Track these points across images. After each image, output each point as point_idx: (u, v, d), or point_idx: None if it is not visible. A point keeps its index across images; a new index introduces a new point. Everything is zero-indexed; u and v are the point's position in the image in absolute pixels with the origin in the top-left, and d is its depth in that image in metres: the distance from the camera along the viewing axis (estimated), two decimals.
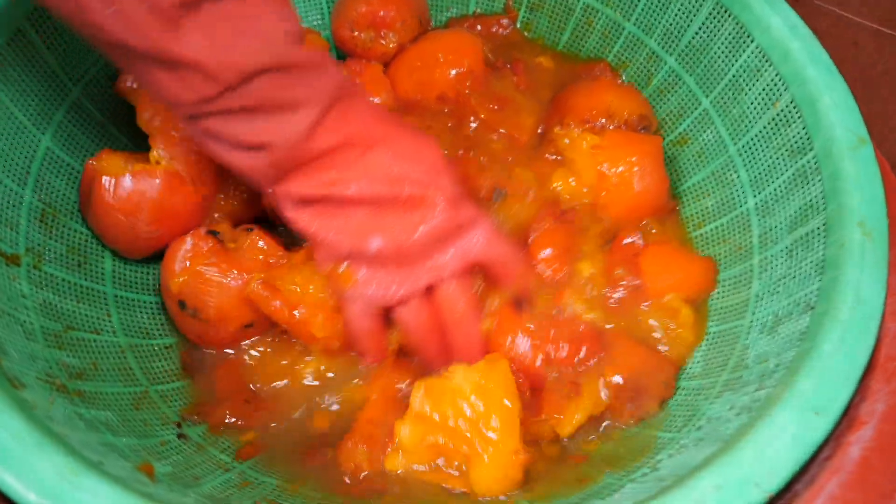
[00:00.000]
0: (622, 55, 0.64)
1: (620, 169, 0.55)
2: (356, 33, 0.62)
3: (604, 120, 0.58)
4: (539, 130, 0.60)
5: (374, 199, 0.44)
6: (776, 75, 0.52)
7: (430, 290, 0.47)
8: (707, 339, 0.51)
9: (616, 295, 0.52)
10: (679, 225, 0.58)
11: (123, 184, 0.50)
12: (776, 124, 0.52)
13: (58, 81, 0.52)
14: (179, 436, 0.47)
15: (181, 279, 0.50)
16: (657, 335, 0.51)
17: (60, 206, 0.52)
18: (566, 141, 0.56)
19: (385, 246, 0.44)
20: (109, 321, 0.51)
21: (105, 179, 0.50)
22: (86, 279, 0.52)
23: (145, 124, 0.52)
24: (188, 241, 0.50)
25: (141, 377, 0.50)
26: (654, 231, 0.56)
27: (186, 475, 0.43)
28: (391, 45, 0.62)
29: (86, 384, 0.45)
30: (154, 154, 0.51)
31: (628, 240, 0.53)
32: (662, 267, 0.53)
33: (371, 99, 0.58)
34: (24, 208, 0.49)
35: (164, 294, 0.52)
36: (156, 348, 0.52)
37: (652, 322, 0.51)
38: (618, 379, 0.48)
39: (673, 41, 0.60)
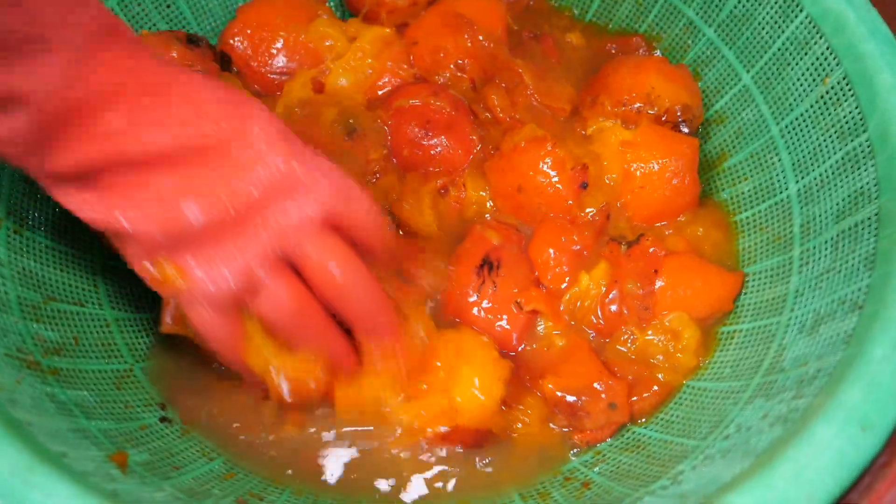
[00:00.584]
0: (656, 26, 0.59)
1: (649, 171, 0.50)
2: None
3: (640, 105, 0.52)
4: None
5: (177, 149, 0.34)
6: (827, 48, 0.47)
7: (288, 267, 0.37)
8: (736, 339, 0.47)
9: (617, 308, 0.47)
10: (718, 210, 0.53)
11: None
12: (825, 103, 0.47)
13: None
14: (162, 419, 0.44)
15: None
16: (656, 360, 0.47)
17: None
18: (597, 127, 0.52)
19: (205, 211, 0.34)
20: (96, 292, 0.48)
21: None
22: (73, 246, 0.48)
23: None
24: None
25: (126, 354, 0.47)
26: (681, 220, 0.52)
27: (165, 464, 0.40)
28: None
29: (63, 361, 0.42)
30: None
31: (653, 249, 0.48)
32: (679, 281, 0.47)
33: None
34: (6, 168, 0.46)
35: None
36: (145, 322, 0.49)
37: (651, 338, 0.47)
38: (557, 390, 0.45)
39: (713, 11, 0.55)
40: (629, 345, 0.47)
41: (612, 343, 0.47)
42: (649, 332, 0.47)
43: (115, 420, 0.41)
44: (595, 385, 0.44)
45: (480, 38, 0.54)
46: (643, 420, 0.46)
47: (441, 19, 0.55)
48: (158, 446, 0.41)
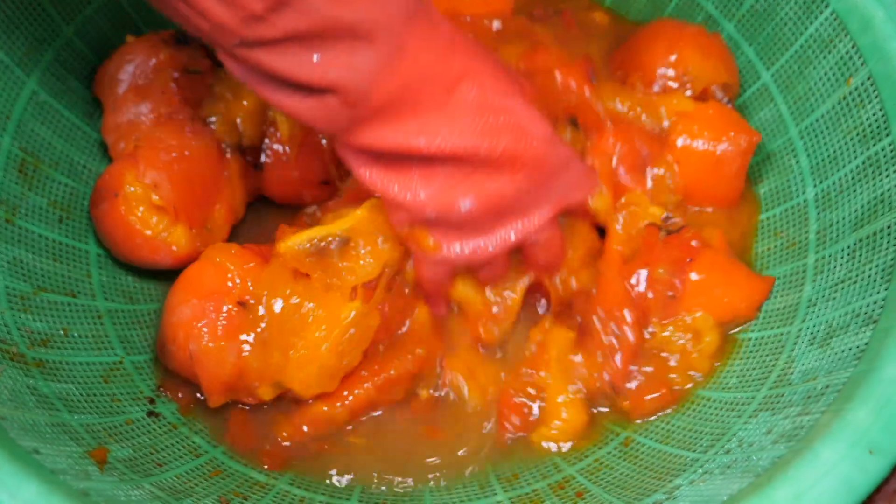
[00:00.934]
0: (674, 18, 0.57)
1: (702, 150, 0.47)
2: None
3: (676, 84, 0.50)
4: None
5: (466, 154, 0.37)
6: (852, 47, 0.45)
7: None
8: (744, 347, 0.45)
9: (644, 290, 0.45)
10: (749, 210, 0.51)
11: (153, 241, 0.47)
12: (847, 104, 0.45)
13: (48, 19, 0.48)
14: (150, 413, 0.43)
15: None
16: (672, 359, 0.45)
17: (44, 156, 0.48)
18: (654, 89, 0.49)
19: (476, 207, 0.39)
20: (89, 282, 0.47)
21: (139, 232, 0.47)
22: (66, 236, 0.48)
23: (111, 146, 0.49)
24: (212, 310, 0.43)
25: (117, 346, 0.46)
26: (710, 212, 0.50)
27: (148, 461, 0.39)
28: None
29: (50, 353, 0.41)
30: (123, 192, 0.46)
31: (695, 243, 0.46)
32: (708, 279, 0.45)
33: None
34: (0, 156, 0.45)
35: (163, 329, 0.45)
36: (139, 314, 0.48)
37: (668, 334, 0.45)
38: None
39: (733, 5, 0.53)
40: (647, 337, 0.45)
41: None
42: (669, 328, 0.45)
43: (100, 414, 0.40)
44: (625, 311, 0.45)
45: (486, 22, 0.52)
46: (643, 424, 0.44)
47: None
48: (142, 442, 0.40)
